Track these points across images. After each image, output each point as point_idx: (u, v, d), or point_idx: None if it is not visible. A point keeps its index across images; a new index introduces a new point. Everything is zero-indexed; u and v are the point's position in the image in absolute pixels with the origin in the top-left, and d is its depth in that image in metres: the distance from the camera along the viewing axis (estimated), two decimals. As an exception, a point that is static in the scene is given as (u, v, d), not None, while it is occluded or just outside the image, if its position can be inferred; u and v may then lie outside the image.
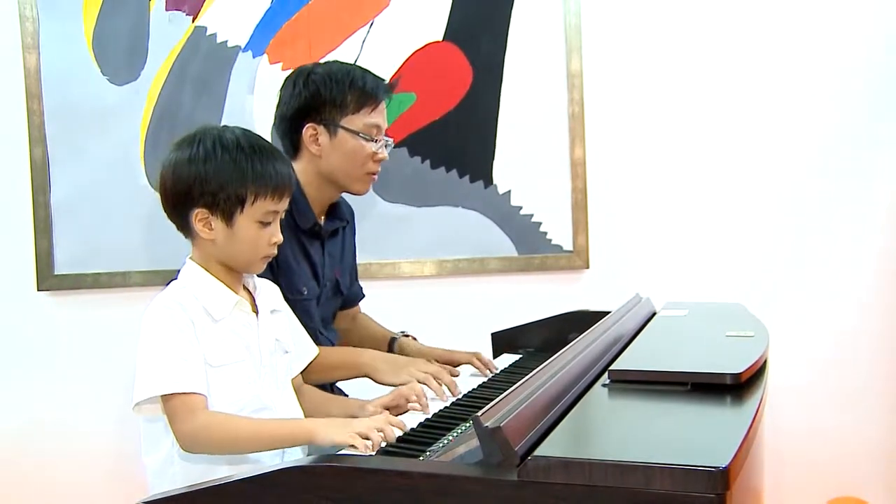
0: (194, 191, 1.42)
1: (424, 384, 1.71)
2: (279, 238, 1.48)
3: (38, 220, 2.57)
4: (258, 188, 1.42)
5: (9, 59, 2.55)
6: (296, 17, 2.58)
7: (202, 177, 1.41)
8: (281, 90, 1.91)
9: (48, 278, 2.58)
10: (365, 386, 1.87)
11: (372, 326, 2.16)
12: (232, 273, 1.49)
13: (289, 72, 1.93)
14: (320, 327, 1.88)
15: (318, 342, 1.74)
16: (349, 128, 1.83)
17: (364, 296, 2.18)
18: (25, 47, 2.54)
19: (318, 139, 1.84)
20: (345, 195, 1.99)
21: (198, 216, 1.43)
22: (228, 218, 1.43)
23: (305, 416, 1.59)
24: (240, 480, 1.14)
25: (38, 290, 2.59)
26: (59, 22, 2.55)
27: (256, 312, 1.51)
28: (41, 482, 2.62)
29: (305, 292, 1.82)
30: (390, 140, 1.92)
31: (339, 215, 1.99)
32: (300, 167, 1.87)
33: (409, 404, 1.59)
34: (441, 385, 1.74)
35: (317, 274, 1.88)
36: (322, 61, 1.93)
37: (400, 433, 1.37)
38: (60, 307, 2.61)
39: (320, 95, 1.83)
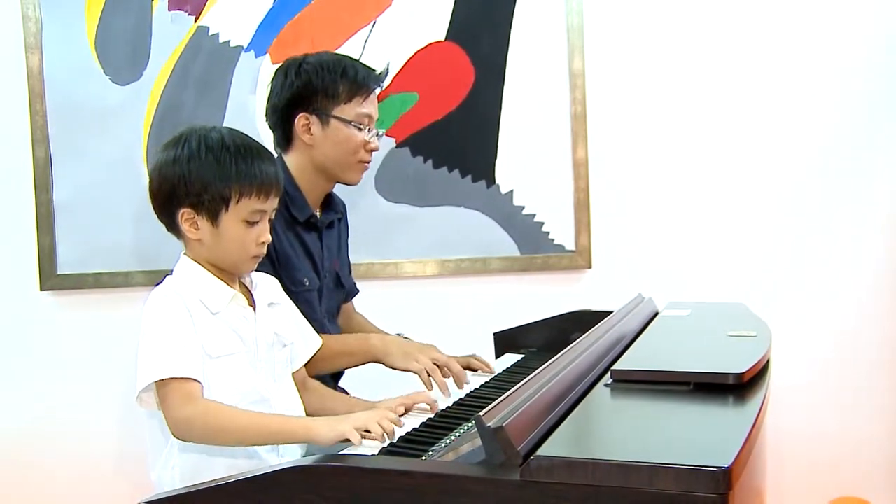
0: (179, 191, 1.43)
1: (431, 376, 1.72)
2: (267, 238, 1.48)
3: (40, 220, 2.57)
4: (242, 187, 1.43)
5: (12, 59, 2.56)
6: (298, 17, 2.58)
7: (186, 177, 1.42)
8: (272, 81, 1.92)
9: (51, 278, 2.59)
10: (368, 379, 1.88)
11: (368, 328, 2.16)
12: (225, 270, 1.49)
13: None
14: (325, 320, 1.89)
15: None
16: (341, 117, 1.85)
17: (358, 291, 2.19)
18: (28, 47, 2.55)
19: (310, 129, 1.85)
20: (340, 189, 1.99)
21: (184, 216, 1.44)
22: (214, 217, 1.43)
23: (308, 413, 1.59)
24: (241, 480, 1.14)
25: (41, 289, 2.59)
26: (62, 22, 2.56)
27: (254, 307, 1.51)
28: (43, 481, 2.62)
29: (307, 283, 1.83)
30: (382, 131, 1.94)
31: (334, 207, 2.00)
32: (293, 158, 1.89)
33: (418, 406, 1.58)
34: (446, 379, 1.75)
35: (316, 266, 1.88)
36: (313, 52, 1.94)
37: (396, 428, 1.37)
38: (63, 307, 2.62)
39: (312, 85, 1.84)
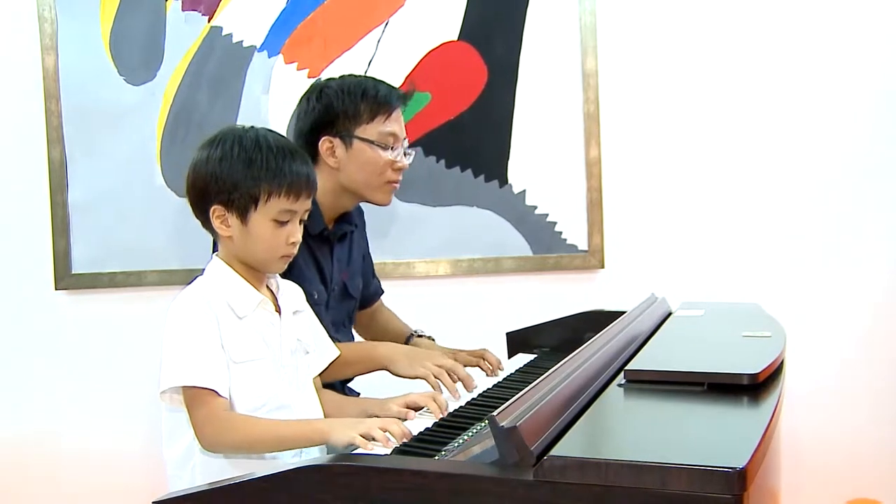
0: (211, 188, 1.45)
1: (439, 379, 1.72)
2: (297, 238, 1.48)
3: (55, 220, 2.59)
4: (271, 186, 1.44)
5: (28, 60, 2.58)
6: (311, 18, 2.59)
7: (217, 174, 1.44)
8: (296, 108, 1.91)
9: (65, 277, 2.60)
10: (378, 384, 1.88)
11: (391, 322, 2.16)
12: (255, 272, 1.51)
13: (304, 72, 1.95)
14: (331, 331, 1.88)
15: None
16: (364, 137, 1.83)
17: (383, 292, 2.19)
18: (44, 48, 2.56)
19: (334, 152, 1.84)
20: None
21: (215, 213, 1.46)
22: (243, 216, 1.45)
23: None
24: (255, 479, 1.14)
25: (56, 289, 2.61)
26: (77, 23, 2.57)
27: (279, 312, 1.52)
28: (56, 480, 2.64)
29: (315, 296, 1.82)
30: (411, 150, 1.92)
31: (348, 219, 1.98)
32: (319, 182, 1.87)
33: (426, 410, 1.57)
34: (455, 382, 1.74)
35: (325, 279, 1.88)
36: (337, 75, 1.93)
37: (406, 430, 1.36)
38: (77, 306, 2.64)
39: (333, 108, 1.83)
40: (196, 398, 1.37)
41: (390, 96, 1.86)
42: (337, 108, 1.83)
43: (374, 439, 1.31)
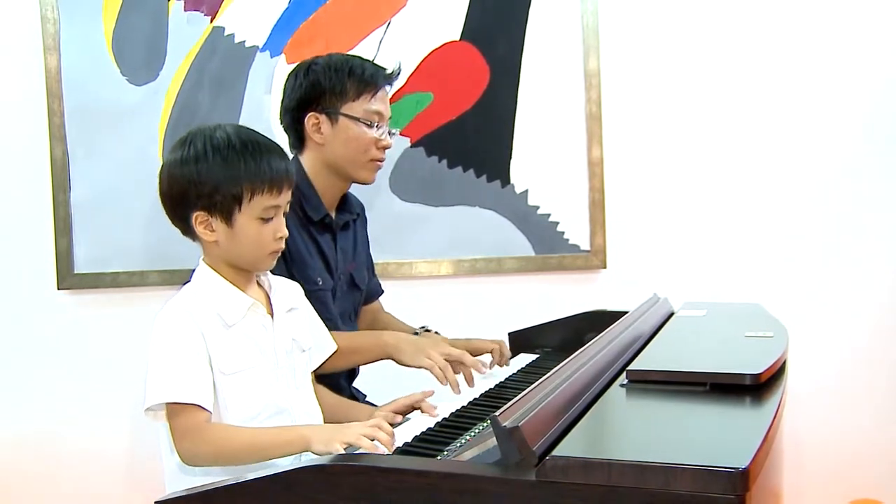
0: (190, 194, 1.41)
1: (443, 372, 1.72)
2: (284, 232, 1.46)
3: (58, 220, 2.59)
4: (253, 185, 1.41)
5: (30, 60, 2.58)
6: (313, 18, 2.59)
7: (195, 179, 1.40)
8: (284, 85, 1.93)
9: (68, 277, 2.60)
10: (384, 376, 1.88)
11: (394, 324, 2.16)
12: (243, 273, 1.48)
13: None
14: (339, 321, 1.89)
15: None
16: (350, 114, 1.86)
17: (383, 291, 2.20)
18: (46, 48, 2.57)
19: (320, 128, 1.87)
20: (355, 189, 2.00)
21: (198, 219, 1.42)
22: (228, 218, 1.42)
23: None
24: (256, 479, 1.14)
25: (59, 288, 2.61)
26: (80, 23, 2.58)
27: (272, 313, 1.50)
28: (60, 481, 2.64)
29: (320, 283, 1.83)
30: (395, 130, 1.95)
31: (349, 208, 2.00)
32: (307, 159, 1.90)
33: (419, 405, 1.57)
34: (457, 375, 1.74)
35: (330, 267, 1.88)
36: (323, 54, 1.94)
37: (392, 439, 1.33)
38: (80, 306, 2.64)
39: (320, 85, 1.85)
40: (177, 412, 1.34)
41: (377, 76, 1.89)
42: (324, 85, 1.85)
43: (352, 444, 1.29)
